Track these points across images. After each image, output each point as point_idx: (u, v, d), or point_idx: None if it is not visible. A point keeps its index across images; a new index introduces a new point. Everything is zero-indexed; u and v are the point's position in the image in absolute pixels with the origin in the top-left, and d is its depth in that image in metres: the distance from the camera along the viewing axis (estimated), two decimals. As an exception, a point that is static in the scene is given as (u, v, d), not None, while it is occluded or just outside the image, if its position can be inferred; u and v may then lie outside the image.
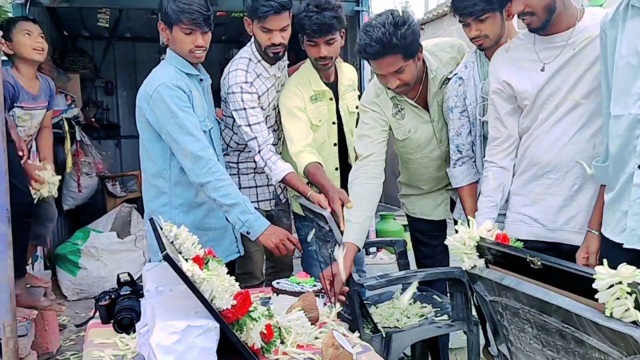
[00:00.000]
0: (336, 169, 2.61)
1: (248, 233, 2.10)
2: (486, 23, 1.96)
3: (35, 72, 2.96)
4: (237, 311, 1.30)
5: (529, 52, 1.87)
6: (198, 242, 1.60)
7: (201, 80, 2.28)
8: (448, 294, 2.15)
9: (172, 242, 1.60)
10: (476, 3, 1.91)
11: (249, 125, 2.38)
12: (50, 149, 3.11)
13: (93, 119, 6.43)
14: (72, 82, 5.41)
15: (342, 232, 2.07)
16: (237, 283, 1.44)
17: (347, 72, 2.72)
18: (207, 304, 1.26)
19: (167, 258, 1.23)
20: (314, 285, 1.78)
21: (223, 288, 1.27)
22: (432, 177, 2.41)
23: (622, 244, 1.56)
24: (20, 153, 2.82)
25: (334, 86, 2.62)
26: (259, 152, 2.38)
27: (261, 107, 2.44)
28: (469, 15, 1.97)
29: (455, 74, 2.16)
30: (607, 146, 1.65)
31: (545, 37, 1.82)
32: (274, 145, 2.46)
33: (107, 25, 5.46)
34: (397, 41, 1.96)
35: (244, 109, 2.38)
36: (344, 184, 2.46)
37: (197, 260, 1.42)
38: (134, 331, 1.56)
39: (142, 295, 1.63)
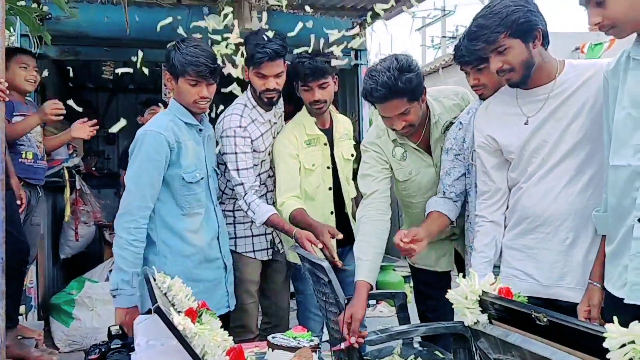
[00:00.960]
0: (331, 212, 2.64)
1: (114, 297, 2.13)
2: (484, 73, 2.00)
3: (24, 97, 3.25)
4: (229, 368, 1.24)
5: (512, 106, 1.86)
6: (192, 294, 1.56)
7: (201, 130, 2.30)
8: (451, 350, 2.07)
9: (165, 294, 1.56)
10: (473, 53, 1.91)
11: (237, 170, 2.46)
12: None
13: (94, 168, 6.46)
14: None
15: (335, 266, 2.06)
16: (231, 338, 1.39)
17: (342, 122, 2.79)
18: (198, 360, 1.21)
19: (158, 311, 1.19)
20: (311, 340, 1.72)
21: (215, 343, 1.22)
22: None
23: (623, 299, 1.51)
24: (19, 202, 2.81)
25: (329, 132, 2.68)
26: (244, 196, 2.46)
27: (254, 151, 2.51)
28: (467, 65, 2.03)
29: (458, 119, 2.20)
30: (607, 196, 1.62)
31: (527, 90, 1.82)
32: (270, 191, 2.51)
33: (111, 77, 5.57)
34: (402, 85, 2.01)
35: (236, 153, 2.46)
36: (339, 227, 2.50)
37: (190, 312, 1.38)
38: (123, 387, 1.50)
39: (133, 349, 1.57)
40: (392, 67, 2.03)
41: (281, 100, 2.68)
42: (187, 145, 2.21)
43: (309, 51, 2.59)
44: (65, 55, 4.03)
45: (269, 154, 2.61)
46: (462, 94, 2.34)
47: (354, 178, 2.68)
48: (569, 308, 1.74)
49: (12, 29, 3.65)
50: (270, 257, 2.71)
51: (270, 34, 2.46)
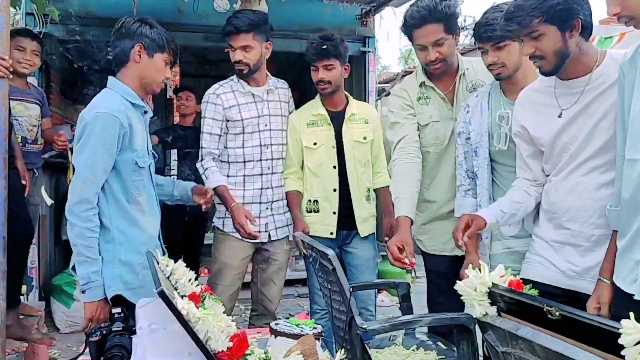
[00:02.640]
0: (334, 190, 2.77)
1: (84, 292, 2.05)
2: (504, 51, 2.01)
3: (25, 80, 3.20)
4: (232, 354, 1.23)
5: (549, 97, 1.83)
6: (195, 279, 1.54)
7: (145, 112, 2.23)
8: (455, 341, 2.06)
9: (168, 278, 1.54)
10: (496, 29, 1.93)
11: (202, 133, 2.70)
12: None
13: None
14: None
15: (305, 256, 2.15)
16: (234, 323, 1.37)
17: (360, 107, 2.92)
18: (201, 346, 1.19)
19: (162, 295, 1.17)
20: (314, 328, 1.70)
21: (219, 328, 1.20)
22: (449, 185, 2.39)
23: (633, 294, 1.49)
24: (24, 182, 2.80)
25: (339, 115, 2.82)
26: (201, 160, 2.69)
27: (228, 120, 2.69)
28: (487, 41, 2.03)
29: (465, 102, 2.25)
30: (620, 190, 1.59)
31: (565, 81, 1.78)
32: (264, 160, 2.73)
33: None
34: (442, 9, 2.17)
35: (204, 117, 2.71)
36: (342, 204, 2.74)
37: (194, 297, 1.36)
38: (124, 371, 1.48)
39: (134, 332, 1.56)
40: None
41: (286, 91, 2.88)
42: (137, 128, 2.12)
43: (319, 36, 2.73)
44: (70, 35, 4.00)
45: (261, 129, 2.74)
46: None
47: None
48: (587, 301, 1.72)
49: (17, 7, 3.61)
50: (262, 242, 2.72)
51: (243, 11, 2.75)
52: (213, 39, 4.24)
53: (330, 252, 1.97)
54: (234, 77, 2.77)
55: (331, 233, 2.79)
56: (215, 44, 4.18)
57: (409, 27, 2.25)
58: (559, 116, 1.79)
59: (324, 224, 2.81)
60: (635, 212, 1.51)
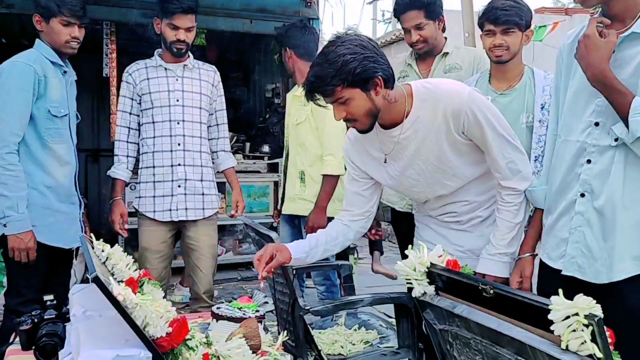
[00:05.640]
0: (286, 168, 3.02)
1: (5, 226, 2.22)
2: (511, 36, 2.20)
3: None
4: (172, 339, 1.20)
5: (373, 141, 1.83)
6: (133, 263, 1.49)
7: (65, 72, 2.41)
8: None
9: (104, 263, 1.49)
10: (512, 14, 2.18)
11: (117, 111, 2.78)
12: None
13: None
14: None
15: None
16: (174, 308, 1.34)
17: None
18: (139, 332, 1.15)
19: (97, 281, 1.12)
20: (257, 311, 1.70)
21: (158, 314, 1.17)
22: None
23: (560, 270, 1.57)
24: None
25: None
26: (117, 140, 2.75)
27: (143, 94, 2.70)
28: (501, 24, 2.20)
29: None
30: (549, 170, 1.66)
31: (383, 130, 1.78)
32: (174, 136, 2.69)
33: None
34: None
35: (117, 95, 2.82)
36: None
37: (131, 282, 1.32)
38: (57, 359, 1.43)
39: (68, 320, 1.50)
40: None
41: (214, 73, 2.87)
42: (53, 81, 2.31)
43: None
44: (-1, 6, 3.76)
45: (172, 104, 2.71)
46: (480, 55, 2.59)
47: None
48: None
49: None
50: (179, 219, 2.71)
51: None
52: (151, 15, 4.08)
53: (274, 235, 1.96)
54: (155, 55, 2.77)
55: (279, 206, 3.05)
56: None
57: (396, 12, 2.59)
58: (384, 162, 1.83)
59: (285, 200, 3.03)
60: (564, 191, 1.58)
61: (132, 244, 4.60)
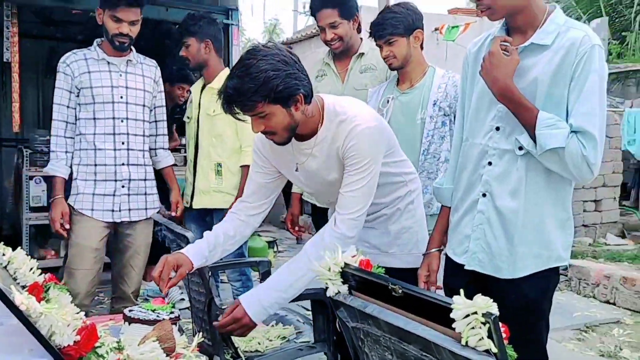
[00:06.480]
0: (191, 161, 2.97)
1: None
2: (394, 45, 2.34)
3: None
4: (80, 348, 1.15)
5: (287, 148, 1.84)
6: (39, 268, 1.42)
7: None
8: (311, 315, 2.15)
9: (5, 267, 1.40)
10: (386, 28, 2.32)
11: (53, 104, 2.60)
12: None
13: None
14: None
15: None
16: (82, 313, 1.29)
17: (221, 80, 2.82)
18: (44, 342, 1.10)
19: (-4, 289, 1.06)
20: (171, 312, 1.66)
21: (64, 322, 1.12)
22: None
23: (464, 265, 1.67)
24: None
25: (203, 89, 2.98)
26: (54, 135, 2.59)
27: (81, 88, 2.57)
28: (380, 38, 2.35)
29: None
30: (455, 169, 1.76)
31: (297, 142, 1.81)
32: (118, 134, 2.59)
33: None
34: None
35: (55, 87, 2.60)
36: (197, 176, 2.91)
37: (35, 287, 1.25)
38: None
39: (-36, 329, 1.40)
40: None
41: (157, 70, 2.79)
42: None
43: None
44: None
45: (115, 101, 2.61)
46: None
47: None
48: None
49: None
50: (122, 219, 2.62)
51: None
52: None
53: (189, 235, 1.94)
54: (94, 45, 2.64)
55: (186, 202, 2.97)
56: (62, 3, 3.81)
57: (312, 10, 2.68)
58: (296, 170, 1.88)
59: (186, 193, 2.98)
60: (469, 191, 1.68)
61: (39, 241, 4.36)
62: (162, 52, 2.82)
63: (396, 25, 2.32)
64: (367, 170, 1.72)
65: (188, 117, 3.00)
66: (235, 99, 1.61)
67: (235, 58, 4.70)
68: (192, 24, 2.82)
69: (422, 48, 2.44)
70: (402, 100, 2.43)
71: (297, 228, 2.79)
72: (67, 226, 2.54)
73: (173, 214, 2.83)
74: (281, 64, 1.59)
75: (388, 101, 2.42)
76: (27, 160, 3.99)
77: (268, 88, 1.57)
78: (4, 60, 4.20)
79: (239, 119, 1.71)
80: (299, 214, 2.74)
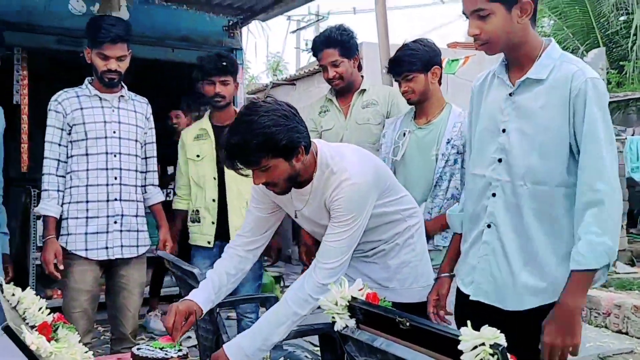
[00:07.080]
0: (213, 200, 2.91)
1: None
2: (412, 81, 2.40)
3: None
4: (90, 387, 1.16)
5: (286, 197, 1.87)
6: (46, 307, 1.43)
7: None
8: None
9: (14, 307, 1.41)
10: (403, 65, 2.39)
11: (45, 142, 2.58)
12: None
13: None
14: None
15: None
16: (90, 352, 1.29)
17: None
18: (53, 381, 1.11)
19: (8, 330, 1.07)
20: (180, 350, 1.66)
21: (74, 361, 1.13)
22: None
23: (469, 295, 1.67)
24: None
25: (225, 128, 2.86)
26: (45, 173, 2.56)
27: (73, 125, 2.56)
28: (398, 75, 2.43)
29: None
30: (465, 200, 1.78)
31: (296, 190, 1.83)
32: (111, 169, 2.58)
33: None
34: (336, 37, 2.68)
35: (47, 125, 2.59)
36: (221, 215, 2.88)
37: (44, 327, 1.26)
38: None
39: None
40: (336, 28, 2.72)
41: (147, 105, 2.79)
42: None
43: None
44: None
45: (108, 136, 2.60)
46: (394, 92, 2.75)
47: None
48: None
49: None
50: (115, 257, 2.58)
51: (114, 18, 2.66)
52: (67, 43, 3.97)
53: (196, 271, 1.94)
54: (86, 84, 2.65)
55: (208, 242, 2.91)
56: (72, 47, 3.90)
57: (313, 51, 2.79)
58: (295, 217, 1.92)
59: (203, 232, 2.93)
60: (475, 221, 1.69)
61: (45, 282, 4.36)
62: (165, 94, 2.89)
63: (414, 62, 2.37)
64: (350, 225, 1.73)
65: (198, 156, 2.93)
66: (238, 155, 1.64)
67: (239, 96, 4.78)
68: (231, 64, 2.89)
69: (440, 84, 2.48)
70: (418, 134, 2.44)
71: (312, 259, 2.76)
72: (61, 267, 2.47)
73: (159, 253, 2.70)
74: (282, 119, 1.62)
75: (405, 134, 2.47)
76: (34, 199, 4.03)
77: (272, 143, 1.60)
78: (14, 102, 4.28)
79: (242, 174, 1.72)
80: (313, 243, 2.62)
